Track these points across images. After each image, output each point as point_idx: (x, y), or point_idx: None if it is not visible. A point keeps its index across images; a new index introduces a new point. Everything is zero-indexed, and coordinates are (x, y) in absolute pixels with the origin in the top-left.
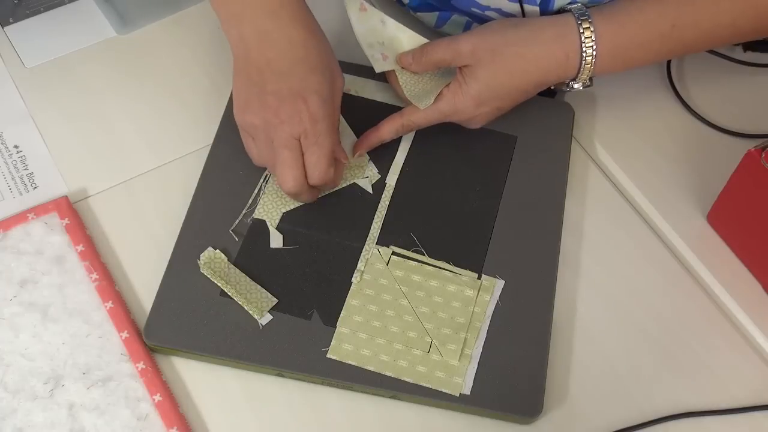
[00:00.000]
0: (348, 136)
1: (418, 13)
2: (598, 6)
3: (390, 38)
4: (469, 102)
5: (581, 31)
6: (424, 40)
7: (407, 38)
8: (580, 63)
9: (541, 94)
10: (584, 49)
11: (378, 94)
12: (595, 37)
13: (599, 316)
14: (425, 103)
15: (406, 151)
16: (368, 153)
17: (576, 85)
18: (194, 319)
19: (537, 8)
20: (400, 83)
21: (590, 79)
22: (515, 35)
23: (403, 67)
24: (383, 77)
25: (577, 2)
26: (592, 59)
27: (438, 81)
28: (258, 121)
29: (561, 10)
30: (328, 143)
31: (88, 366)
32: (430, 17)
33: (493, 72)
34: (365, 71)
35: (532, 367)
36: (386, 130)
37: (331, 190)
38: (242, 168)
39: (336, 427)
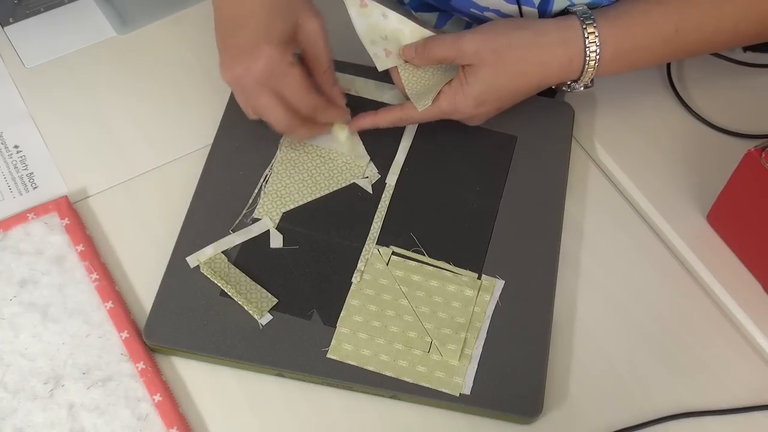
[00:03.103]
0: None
1: (419, 14)
2: (602, 9)
3: (392, 31)
4: (469, 102)
5: (585, 35)
6: (428, 33)
7: (410, 31)
8: (583, 66)
9: (541, 94)
10: (588, 53)
11: (378, 94)
12: (599, 42)
13: (599, 316)
14: (423, 104)
15: (406, 151)
16: (368, 153)
17: (577, 86)
18: (194, 319)
19: (535, 10)
20: (402, 79)
21: (591, 80)
22: (519, 38)
23: (406, 60)
24: (384, 77)
25: (574, 4)
26: (595, 63)
27: (439, 78)
28: (228, 77)
29: (563, 12)
30: (295, 76)
31: (88, 366)
32: (431, 17)
33: (495, 74)
34: (365, 71)
35: (532, 367)
36: (383, 117)
37: (329, 127)
38: (242, 168)
39: (336, 427)
